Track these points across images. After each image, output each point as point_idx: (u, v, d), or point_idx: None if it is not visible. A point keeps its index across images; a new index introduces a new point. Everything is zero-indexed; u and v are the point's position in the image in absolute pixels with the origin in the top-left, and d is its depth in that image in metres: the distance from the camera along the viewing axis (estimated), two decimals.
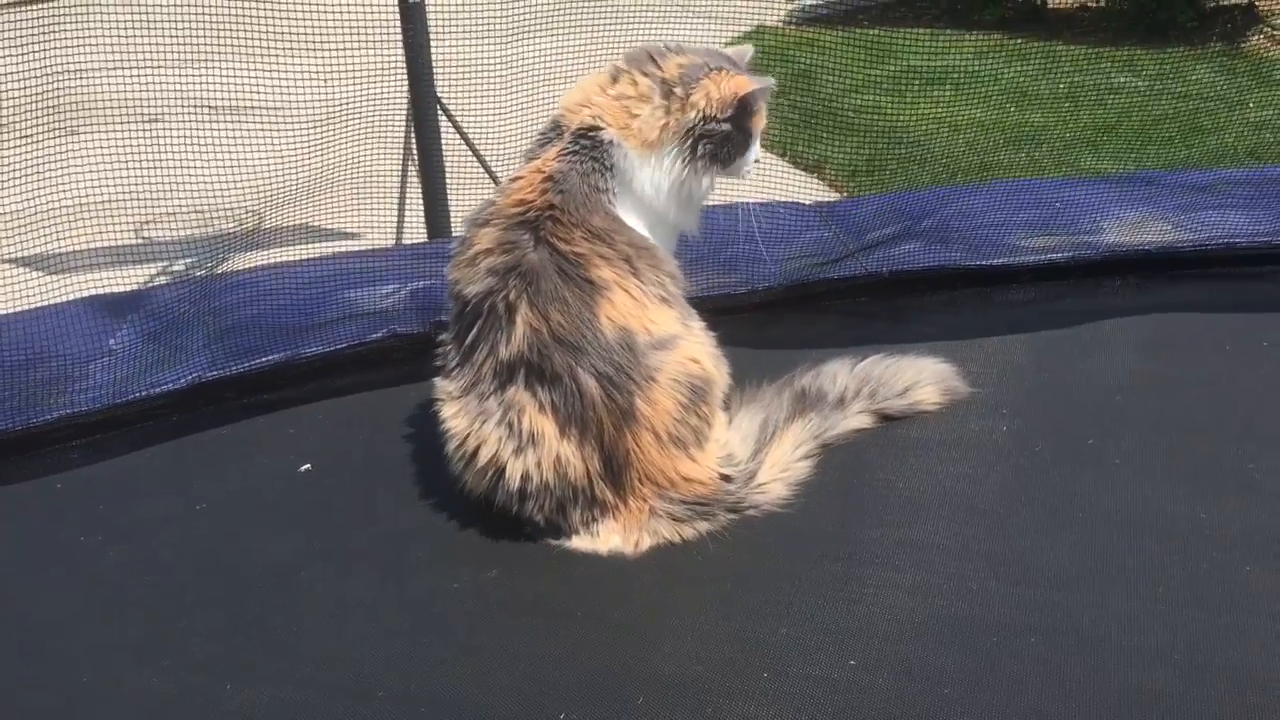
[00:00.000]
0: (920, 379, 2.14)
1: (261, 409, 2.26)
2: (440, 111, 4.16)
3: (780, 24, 7.37)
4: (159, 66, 3.07)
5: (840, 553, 1.81)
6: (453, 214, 4.16)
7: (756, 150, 1.93)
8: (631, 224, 1.85)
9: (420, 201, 4.21)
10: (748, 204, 2.53)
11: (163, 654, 1.65)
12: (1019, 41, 6.76)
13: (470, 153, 4.41)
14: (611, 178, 1.83)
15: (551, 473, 1.78)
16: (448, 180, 4.19)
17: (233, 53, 3.42)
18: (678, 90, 1.83)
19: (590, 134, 1.84)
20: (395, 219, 4.46)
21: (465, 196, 4.29)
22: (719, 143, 1.85)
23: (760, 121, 1.89)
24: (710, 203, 2.00)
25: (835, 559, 1.80)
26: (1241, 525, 1.82)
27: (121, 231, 3.25)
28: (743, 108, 1.84)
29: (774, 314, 2.59)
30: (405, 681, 1.58)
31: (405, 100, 4.15)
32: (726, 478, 1.88)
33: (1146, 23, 7.19)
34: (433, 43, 4.07)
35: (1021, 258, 2.69)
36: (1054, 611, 1.66)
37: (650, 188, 1.85)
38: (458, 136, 4.35)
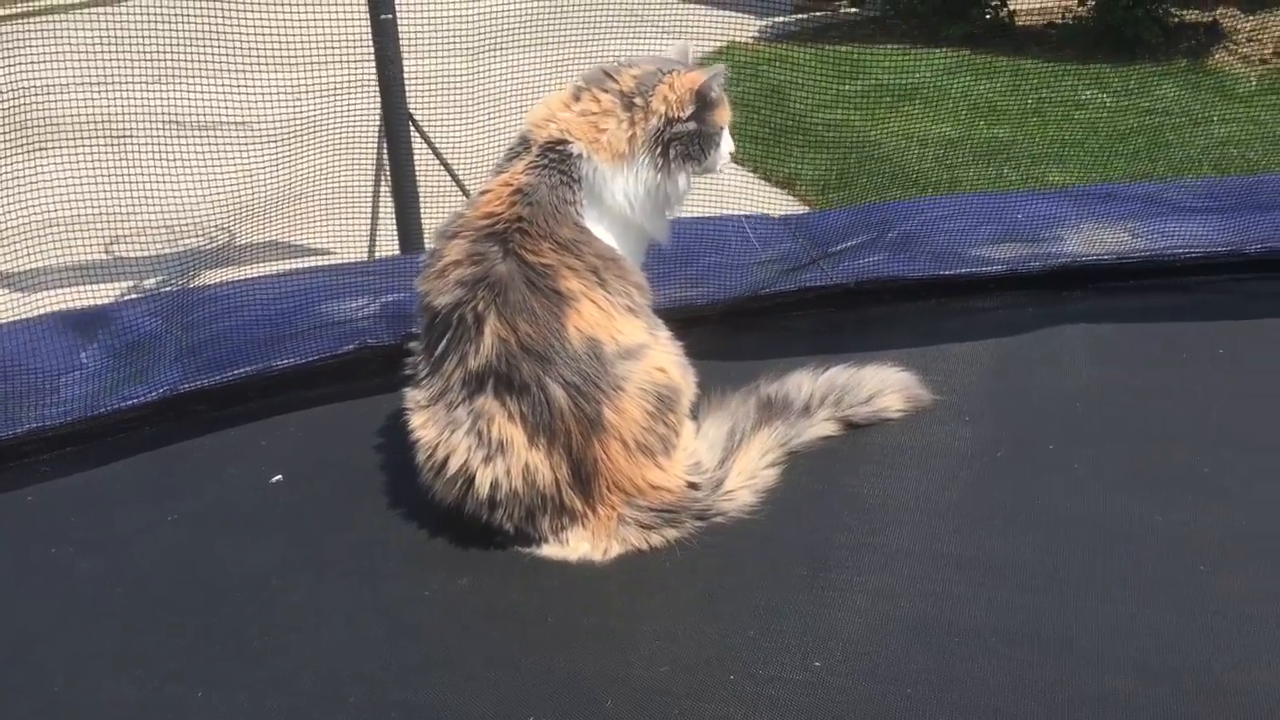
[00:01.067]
0: (885, 387, 2.18)
1: (233, 421, 2.27)
2: (412, 126, 4.18)
3: (751, 40, 7.43)
4: (128, 83, 3.07)
5: (806, 557, 1.84)
6: (425, 228, 4.17)
7: (729, 143, 1.96)
8: (600, 235, 1.88)
9: (393, 216, 4.23)
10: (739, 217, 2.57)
11: (136, 664, 1.66)
12: (987, 58, 6.85)
13: (442, 167, 4.43)
14: (580, 190, 1.86)
15: (520, 481, 1.80)
16: (420, 194, 4.21)
17: (204, 69, 3.43)
18: (638, 100, 1.86)
19: (558, 147, 1.87)
20: (368, 234, 4.47)
21: (437, 210, 4.30)
22: (688, 141, 1.88)
23: (724, 114, 1.93)
24: (680, 214, 2.05)
25: (801, 564, 1.82)
26: (1198, 528, 1.86)
27: (91, 249, 3.25)
28: (701, 101, 1.87)
29: (741, 325, 2.62)
30: (378, 689, 1.60)
31: (377, 115, 4.17)
32: (694, 485, 1.91)
33: (1113, 39, 7.30)
34: (404, 58, 4.09)
35: (984, 268, 2.74)
36: (1016, 613, 1.69)
37: (623, 198, 1.88)
38: (430, 151, 4.37)
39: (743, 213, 3.11)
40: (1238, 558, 1.79)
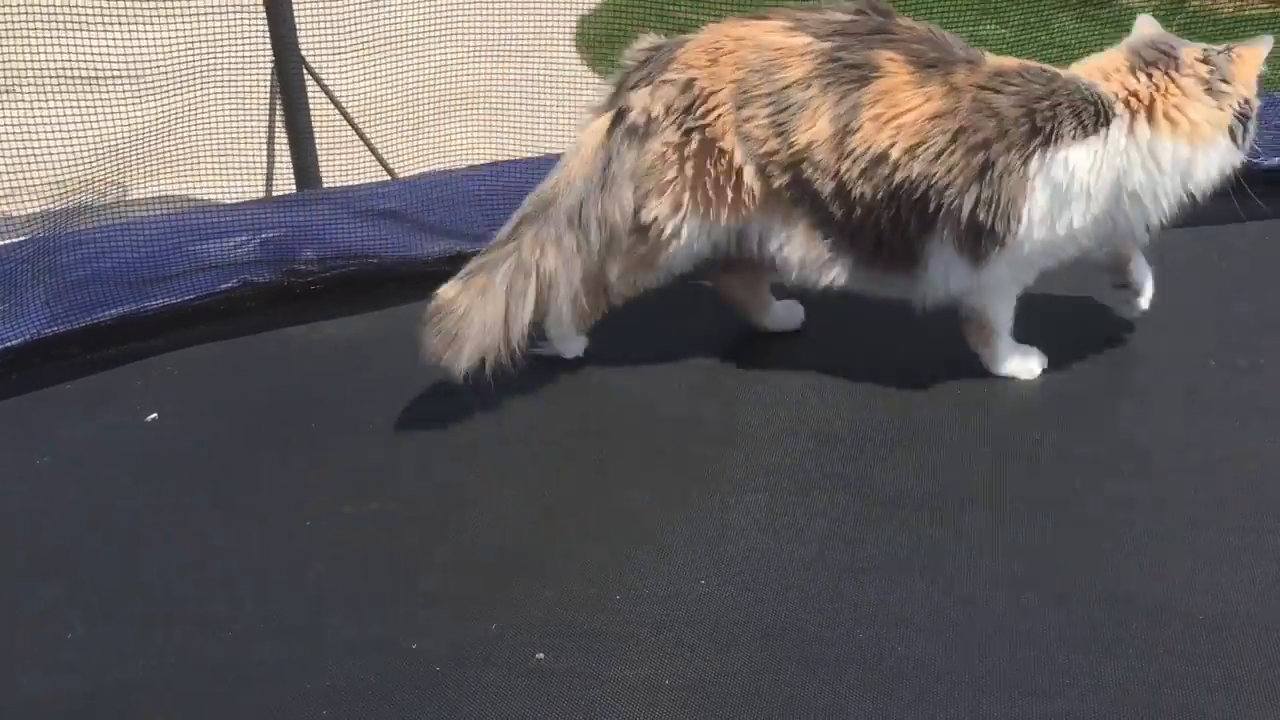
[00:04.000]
0: None
1: (107, 364, 2.19)
2: (306, 72, 4.07)
3: None
4: (9, 37, 2.96)
5: (695, 482, 1.84)
6: (322, 168, 4.07)
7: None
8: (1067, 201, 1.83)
9: (288, 160, 4.12)
10: None
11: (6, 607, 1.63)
12: None
13: (339, 113, 4.33)
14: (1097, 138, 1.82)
15: None
16: (317, 144, 4.11)
17: (91, 20, 3.31)
18: (1221, 84, 1.85)
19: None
20: (264, 179, 4.36)
21: (335, 160, 4.22)
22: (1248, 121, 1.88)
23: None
24: None
25: (690, 488, 1.83)
26: (1085, 445, 1.88)
27: None
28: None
29: None
30: (265, 611, 1.60)
31: (269, 62, 4.05)
32: None
33: None
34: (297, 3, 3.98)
35: None
36: (899, 529, 1.71)
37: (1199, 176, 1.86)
38: (327, 100, 4.26)
39: None
40: (1116, 472, 1.82)
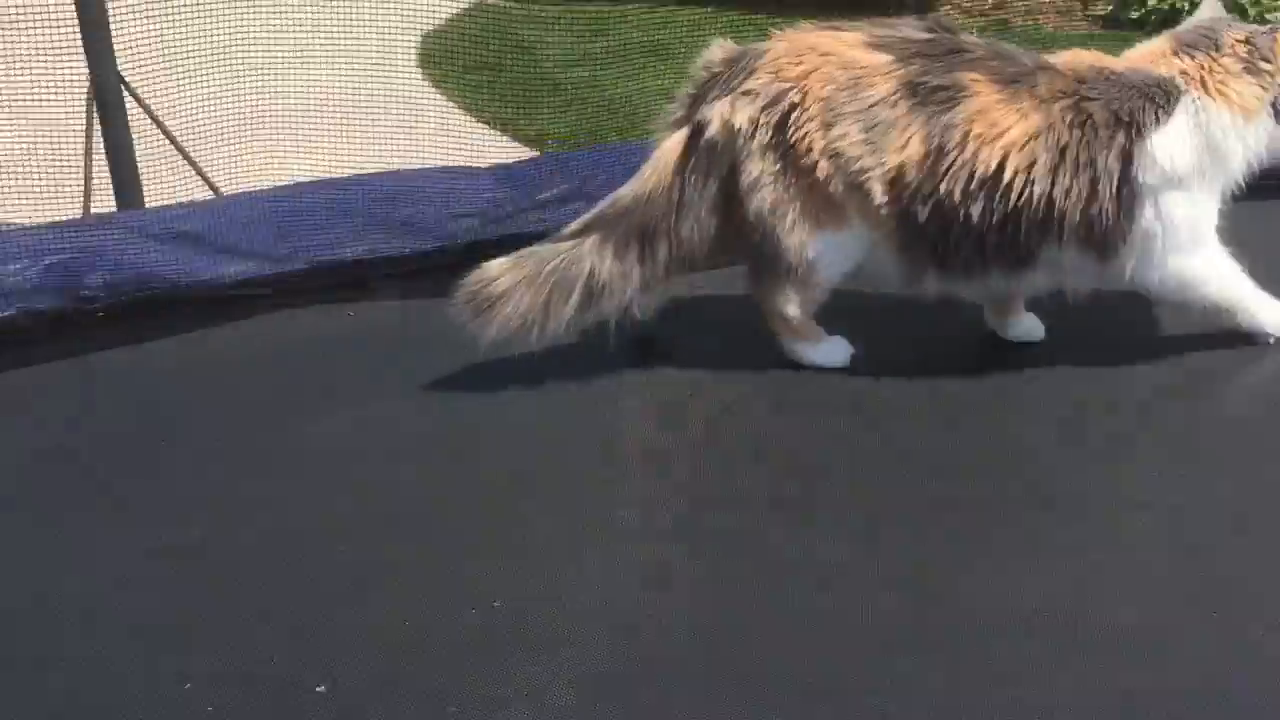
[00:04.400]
0: None
1: None
2: (125, 90, 3.96)
3: None
4: None
5: (497, 497, 1.82)
6: (148, 199, 3.96)
7: None
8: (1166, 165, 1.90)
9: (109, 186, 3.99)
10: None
11: None
12: (731, 16, 6.99)
13: (160, 131, 4.21)
14: (1163, 117, 1.89)
15: None
16: (140, 163, 3.99)
17: None
18: (1261, 63, 1.95)
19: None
20: (80, 199, 4.21)
21: (161, 179, 4.12)
22: None
23: None
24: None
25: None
26: (919, 446, 1.92)
27: None
28: None
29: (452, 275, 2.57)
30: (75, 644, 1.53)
31: (85, 79, 3.93)
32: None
33: None
34: (117, 22, 3.88)
35: None
36: (741, 537, 1.71)
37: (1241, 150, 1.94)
38: (148, 118, 4.14)
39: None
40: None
